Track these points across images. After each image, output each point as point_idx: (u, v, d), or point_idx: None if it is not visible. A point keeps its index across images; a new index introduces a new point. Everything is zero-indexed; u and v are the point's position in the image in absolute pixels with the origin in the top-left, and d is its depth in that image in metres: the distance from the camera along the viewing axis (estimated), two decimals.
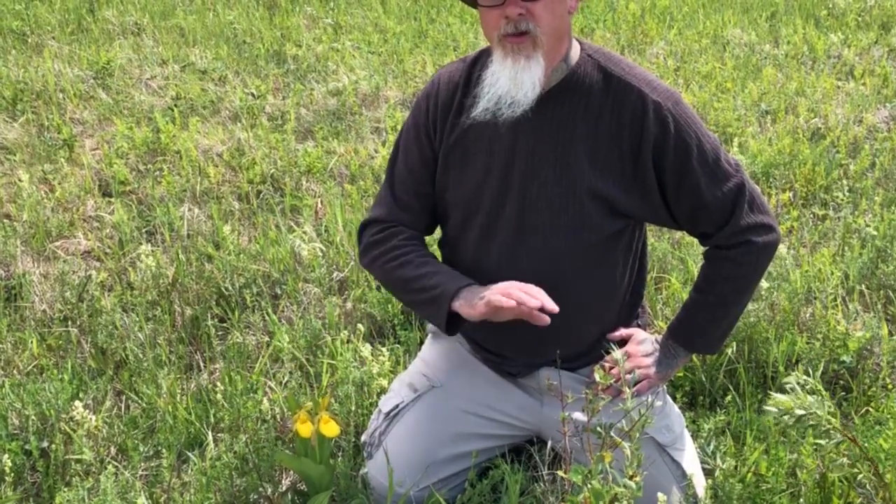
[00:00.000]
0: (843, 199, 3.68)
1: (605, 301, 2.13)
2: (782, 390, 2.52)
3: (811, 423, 1.92)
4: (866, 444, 2.10)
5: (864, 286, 3.07)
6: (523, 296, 1.85)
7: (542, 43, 1.88)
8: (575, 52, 2.00)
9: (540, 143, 1.97)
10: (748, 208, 2.01)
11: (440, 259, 2.25)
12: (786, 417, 1.92)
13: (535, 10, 1.86)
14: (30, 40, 5.80)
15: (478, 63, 2.07)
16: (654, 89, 1.96)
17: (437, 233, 2.29)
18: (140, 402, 2.62)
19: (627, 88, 1.96)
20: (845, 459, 2.14)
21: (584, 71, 1.98)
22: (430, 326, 2.42)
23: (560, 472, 1.85)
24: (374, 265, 2.14)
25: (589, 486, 1.64)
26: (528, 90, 1.89)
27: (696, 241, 2.39)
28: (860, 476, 2.11)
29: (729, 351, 2.64)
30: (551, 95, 1.96)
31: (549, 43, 1.90)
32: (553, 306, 1.85)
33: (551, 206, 1.99)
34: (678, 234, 3.38)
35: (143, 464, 2.40)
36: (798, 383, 1.94)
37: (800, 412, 1.89)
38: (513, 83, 1.89)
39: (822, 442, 2.09)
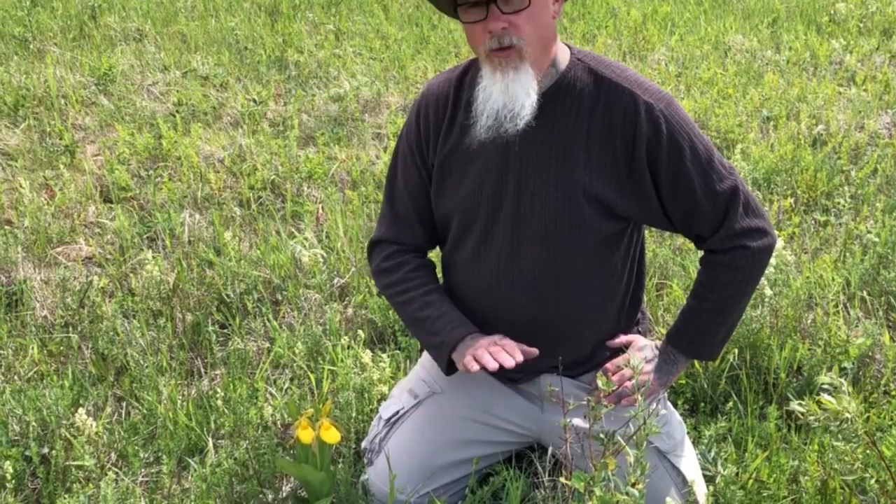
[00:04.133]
0: (844, 206, 3.68)
1: (604, 307, 2.13)
2: (786, 398, 2.53)
3: (843, 426, 1.92)
4: (868, 452, 2.10)
5: (865, 292, 3.06)
6: (486, 358, 1.93)
7: (528, 53, 1.87)
8: (564, 57, 1.99)
9: (533, 148, 1.97)
10: (742, 211, 2.00)
11: (441, 265, 2.27)
12: (825, 419, 1.91)
13: (517, 22, 1.84)
14: (32, 46, 5.81)
15: (468, 73, 2.06)
16: (646, 91, 1.96)
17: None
18: (141, 408, 2.62)
19: (619, 91, 1.95)
20: (859, 464, 2.13)
21: (574, 75, 1.97)
22: None
23: (562, 479, 1.85)
24: (385, 293, 2.23)
25: (592, 493, 1.64)
26: (523, 101, 1.88)
27: None
28: (872, 481, 2.10)
29: (730, 357, 2.64)
30: (543, 100, 1.95)
31: (535, 52, 1.89)
32: (529, 350, 1.98)
33: (547, 211, 1.99)
34: (679, 241, 3.38)
35: (143, 470, 2.40)
36: (832, 384, 1.93)
37: (848, 415, 1.89)
38: (506, 96, 1.88)
39: (841, 445, 2.08)
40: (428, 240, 2.23)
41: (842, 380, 1.94)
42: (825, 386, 1.96)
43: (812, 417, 1.92)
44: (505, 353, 1.94)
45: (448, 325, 2.08)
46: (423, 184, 2.16)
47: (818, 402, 1.95)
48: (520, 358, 1.94)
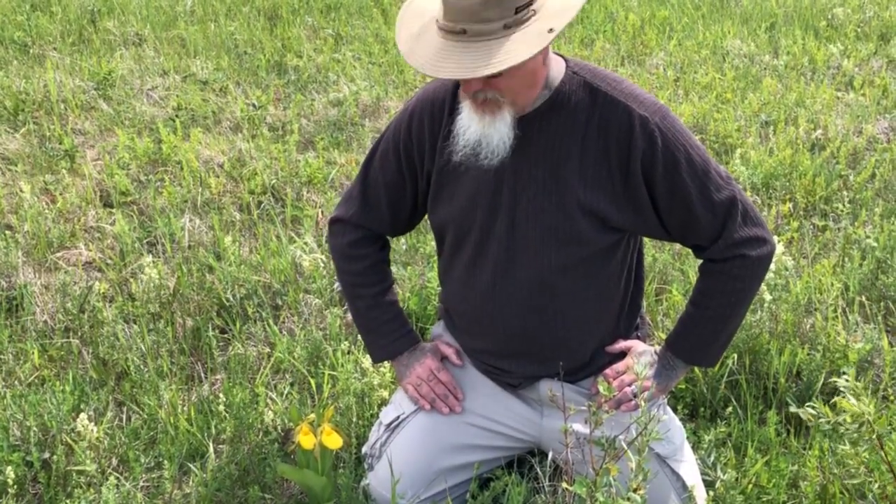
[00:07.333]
0: (843, 211, 3.69)
1: (602, 314, 2.14)
2: (786, 403, 2.54)
3: (861, 430, 1.92)
4: (868, 456, 2.10)
5: (864, 297, 3.07)
6: (420, 398, 2.23)
7: (506, 103, 1.87)
8: (558, 71, 1.98)
9: (527, 161, 1.97)
10: (741, 221, 2.01)
11: (438, 274, 2.30)
12: (838, 422, 1.92)
13: (493, 82, 1.83)
14: (31, 51, 5.81)
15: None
16: (641, 104, 1.95)
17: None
18: (141, 413, 2.62)
19: (613, 104, 1.95)
20: (862, 468, 2.14)
21: (569, 89, 1.97)
22: (430, 339, 2.43)
23: (564, 484, 1.85)
24: (340, 276, 2.33)
25: (594, 499, 1.64)
26: (497, 144, 1.90)
27: None
28: (874, 486, 2.11)
29: (730, 362, 2.64)
30: (537, 115, 1.95)
31: (517, 99, 1.90)
32: (455, 406, 2.22)
33: (541, 223, 1.99)
34: (678, 246, 3.38)
35: (144, 475, 2.40)
36: (845, 387, 1.94)
37: (868, 417, 1.89)
38: (483, 136, 1.90)
39: (847, 448, 2.08)
40: (392, 230, 2.29)
41: (856, 382, 1.94)
42: (843, 388, 1.96)
43: (823, 419, 1.92)
44: (440, 402, 2.21)
45: (393, 333, 2.27)
46: (402, 183, 2.18)
47: (832, 405, 1.95)
48: (458, 409, 2.20)
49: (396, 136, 2.15)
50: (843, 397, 1.95)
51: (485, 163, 1.93)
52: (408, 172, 2.15)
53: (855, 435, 1.92)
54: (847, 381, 1.95)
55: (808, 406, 2.02)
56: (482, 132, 1.90)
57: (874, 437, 1.90)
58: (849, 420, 1.90)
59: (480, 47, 1.75)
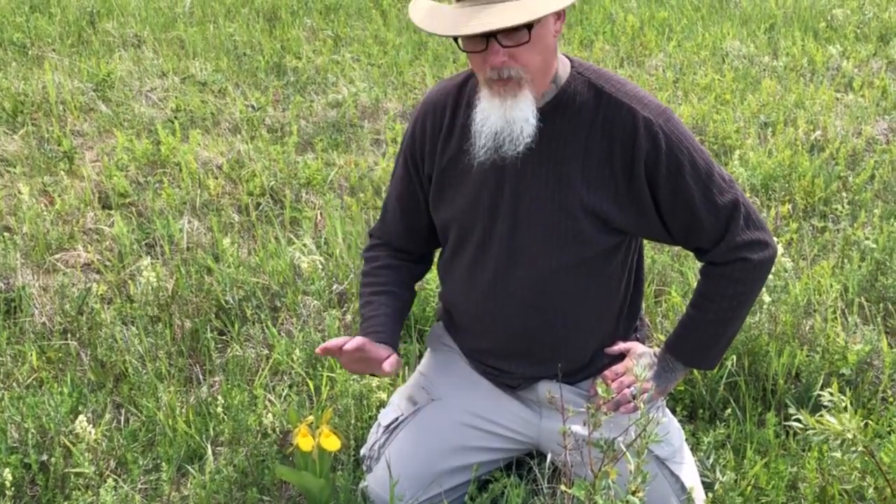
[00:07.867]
0: (842, 212, 3.69)
1: (602, 315, 2.14)
2: (785, 404, 2.53)
3: (844, 446, 1.92)
4: (867, 458, 2.10)
5: (863, 299, 3.07)
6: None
7: (527, 82, 1.87)
8: (564, 70, 1.98)
9: (531, 161, 1.97)
10: (743, 224, 2.01)
11: (437, 273, 2.30)
12: (825, 437, 1.92)
13: (517, 54, 1.83)
14: (30, 52, 5.81)
15: (467, 83, 2.06)
16: (645, 106, 1.96)
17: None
18: (140, 415, 2.62)
19: (618, 105, 1.95)
20: (856, 473, 2.13)
21: (574, 89, 1.97)
22: (429, 340, 2.43)
23: (562, 486, 1.85)
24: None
25: (593, 501, 1.64)
26: (521, 125, 1.88)
27: None
28: (870, 490, 2.10)
29: (729, 364, 2.64)
30: (542, 114, 1.94)
31: (536, 78, 1.89)
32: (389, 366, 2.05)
33: (544, 223, 1.99)
34: (678, 247, 3.38)
35: (142, 477, 2.40)
36: (832, 401, 1.94)
37: (849, 435, 1.89)
38: (505, 122, 1.89)
39: (838, 455, 2.08)
40: (411, 242, 2.28)
41: (842, 395, 1.94)
42: (826, 403, 1.95)
43: (811, 432, 1.92)
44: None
45: (368, 329, 2.16)
46: (414, 191, 2.18)
47: (818, 419, 1.95)
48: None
49: (404, 146, 2.18)
50: (827, 412, 1.94)
51: (508, 153, 1.91)
52: (416, 180, 2.16)
53: (842, 448, 1.92)
54: (831, 394, 1.95)
55: (794, 420, 2.01)
56: (505, 118, 1.88)
57: (860, 448, 1.90)
58: (831, 437, 1.90)
59: (506, 6, 1.77)
